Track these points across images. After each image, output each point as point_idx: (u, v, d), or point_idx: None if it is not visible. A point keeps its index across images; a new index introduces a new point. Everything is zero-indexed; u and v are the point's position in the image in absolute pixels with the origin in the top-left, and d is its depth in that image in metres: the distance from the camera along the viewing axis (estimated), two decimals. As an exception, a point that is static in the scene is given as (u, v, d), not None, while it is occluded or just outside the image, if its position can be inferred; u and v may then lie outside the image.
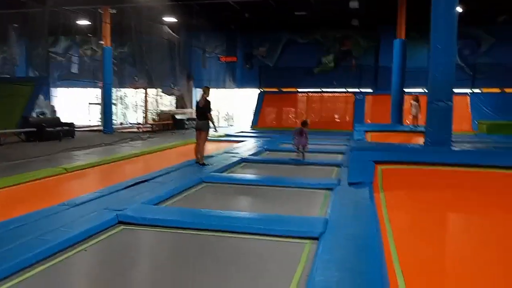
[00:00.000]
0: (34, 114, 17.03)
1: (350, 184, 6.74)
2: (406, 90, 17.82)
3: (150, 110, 23.49)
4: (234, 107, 26.17)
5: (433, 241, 4.45)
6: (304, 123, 10.00)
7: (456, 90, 8.97)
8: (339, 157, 10.61)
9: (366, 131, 14.74)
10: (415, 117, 15.89)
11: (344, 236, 4.11)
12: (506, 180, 6.79)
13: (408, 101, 17.55)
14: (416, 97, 16.17)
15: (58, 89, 26.75)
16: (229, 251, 4.02)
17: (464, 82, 20.59)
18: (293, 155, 10.10)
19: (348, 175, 7.21)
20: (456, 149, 7.61)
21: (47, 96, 23.63)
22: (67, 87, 26.68)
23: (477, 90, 21.17)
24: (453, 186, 6.71)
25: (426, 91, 8.55)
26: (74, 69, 22.34)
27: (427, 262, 3.84)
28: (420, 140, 8.62)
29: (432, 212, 5.67)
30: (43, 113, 21.76)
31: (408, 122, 16.05)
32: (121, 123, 23.70)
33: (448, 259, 4.13)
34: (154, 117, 21.68)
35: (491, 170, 6.96)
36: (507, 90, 20.73)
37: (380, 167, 7.14)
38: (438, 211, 5.77)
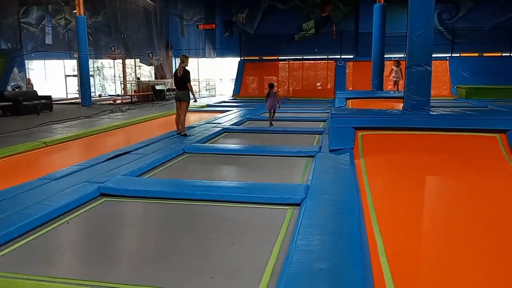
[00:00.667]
0: (9, 88, 16.58)
1: (331, 151, 6.84)
2: (386, 55, 17.77)
3: (129, 81, 23.07)
4: (216, 76, 25.86)
5: (411, 204, 4.58)
6: (270, 86, 10.32)
7: (435, 55, 9.01)
8: (320, 125, 10.70)
9: (347, 98, 14.80)
10: (396, 83, 15.85)
11: (325, 202, 4.20)
12: (482, 144, 6.97)
13: (388, 67, 17.54)
14: (397, 62, 16.04)
15: (34, 61, 25.98)
16: (212, 219, 4.07)
17: (443, 47, 20.67)
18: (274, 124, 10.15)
19: (329, 142, 7.29)
20: (434, 113, 7.71)
21: (22, 69, 22.95)
22: (42, 59, 25.92)
23: (456, 55, 21.31)
24: (431, 151, 6.86)
25: (406, 56, 8.55)
26: (48, 40, 21.54)
27: (404, 223, 3.96)
28: (400, 106, 8.69)
29: (410, 176, 5.80)
30: (18, 87, 21.18)
31: (390, 88, 16.09)
32: (100, 95, 23.28)
33: (425, 220, 4.27)
34: (134, 88, 21.31)
35: (468, 133, 7.13)
36: (486, 54, 20.93)
37: (360, 133, 7.24)
38: (416, 175, 5.91)
